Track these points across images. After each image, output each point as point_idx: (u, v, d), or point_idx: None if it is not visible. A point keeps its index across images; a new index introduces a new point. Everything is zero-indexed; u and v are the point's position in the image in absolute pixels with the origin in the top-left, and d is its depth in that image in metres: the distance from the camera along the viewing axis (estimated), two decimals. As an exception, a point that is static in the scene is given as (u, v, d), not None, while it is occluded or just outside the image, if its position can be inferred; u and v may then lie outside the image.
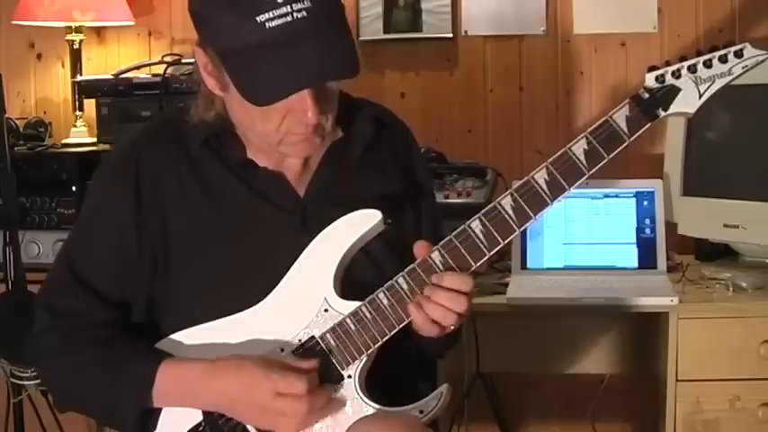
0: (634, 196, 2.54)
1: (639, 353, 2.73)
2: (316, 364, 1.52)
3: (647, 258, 2.50)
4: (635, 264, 2.51)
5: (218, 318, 1.57)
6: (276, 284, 1.56)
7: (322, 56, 1.42)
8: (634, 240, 2.52)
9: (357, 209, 1.56)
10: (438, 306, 1.49)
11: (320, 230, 1.56)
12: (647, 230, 2.52)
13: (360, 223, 1.55)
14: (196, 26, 1.51)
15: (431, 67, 3.06)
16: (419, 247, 1.54)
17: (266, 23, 1.40)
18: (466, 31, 3.03)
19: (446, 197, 2.56)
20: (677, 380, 2.27)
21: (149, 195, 1.59)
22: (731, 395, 2.26)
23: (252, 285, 1.57)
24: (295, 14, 1.40)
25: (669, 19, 2.92)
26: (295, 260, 1.56)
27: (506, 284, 2.43)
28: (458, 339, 1.73)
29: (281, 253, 1.57)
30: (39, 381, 2.45)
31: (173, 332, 1.59)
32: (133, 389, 1.53)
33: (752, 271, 2.45)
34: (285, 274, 1.56)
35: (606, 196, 2.55)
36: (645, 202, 2.53)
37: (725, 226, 2.51)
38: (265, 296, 1.56)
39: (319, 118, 1.49)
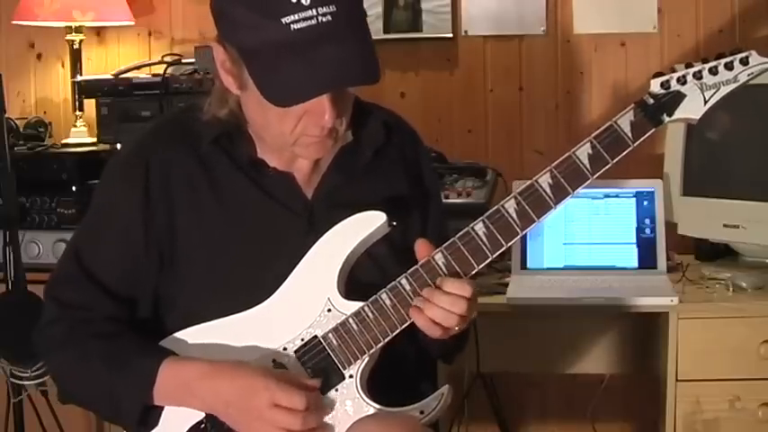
0: (634, 196, 2.54)
1: (639, 353, 2.73)
2: (318, 383, 1.52)
3: (647, 258, 2.50)
4: (635, 264, 2.51)
5: (222, 316, 1.57)
6: (281, 284, 1.57)
7: (344, 60, 1.42)
8: (634, 240, 2.52)
9: (363, 211, 1.56)
10: (438, 308, 1.50)
11: (326, 232, 1.57)
12: (647, 230, 2.52)
13: (364, 225, 1.56)
14: (217, 22, 1.50)
15: (431, 67, 3.06)
16: (420, 246, 1.54)
17: (291, 25, 1.40)
18: (466, 31, 3.03)
19: (446, 197, 2.55)
20: (677, 380, 2.27)
21: (158, 192, 1.60)
22: (731, 395, 2.26)
23: (257, 284, 1.57)
24: (320, 18, 1.40)
25: (669, 19, 2.92)
26: (300, 260, 1.57)
27: (506, 284, 2.43)
28: (465, 343, 1.73)
29: (287, 253, 1.58)
30: (39, 381, 2.46)
31: (178, 329, 1.59)
32: (134, 386, 1.53)
33: (752, 271, 2.45)
34: (290, 273, 1.57)
35: (606, 196, 2.55)
36: (645, 202, 2.53)
37: (725, 226, 2.51)
38: (270, 295, 1.57)
39: (335, 121, 1.49)
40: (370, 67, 1.45)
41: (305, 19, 1.40)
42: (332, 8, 1.41)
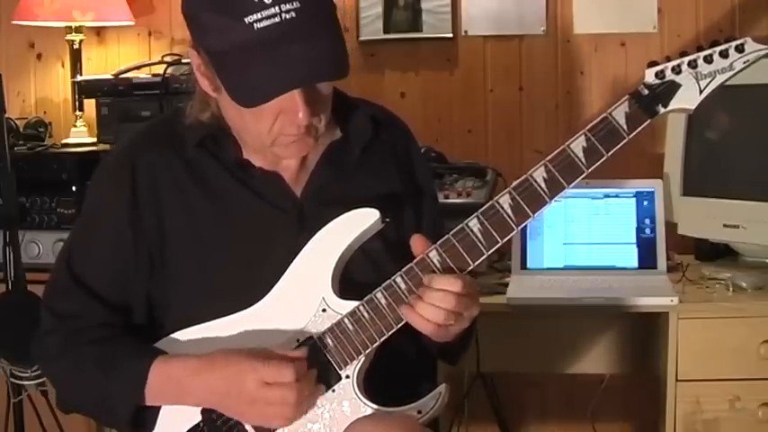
0: (634, 196, 2.54)
1: (639, 353, 2.73)
2: (304, 352, 1.51)
3: (647, 258, 2.50)
4: (635, 264, 2.51)
5: (215, 317, 1.57)
6: (274, 284, 1.56)
7: (310, 57, 1.41)
8: (634, 240, 2.52)
9: (355, 208, 1.55)
10: (427, 304, 1.49)
11: (318, 230, 1.56)
12: (647, 230, 2.52)
13: (357, 222, 1.55)
14: (189, 28, 1.51)
15: (431, 67, 3.06)
16: (416, 240, 1.53)
17: (254, 24, 1.39)
18: (466, 31, 3.03)
19: (446, 197, 2.56)
20: (677, 380, 2.26)
21: (146, 195, 1.59)
22: (731, 395, 2.25)
23: (249, 285, 1.56)
24: (284, 15, 1.39)
25: (669, 19, 2.92)
26: (293, 260, 1.56)
27: (506, 284, 2.43)
28: (469, 342, 1.71)
29: (278, 253, 1.57)
30: (39, 381, 2.46)
31: (172, 333, 1.59)
32: (126, 387, 1.54)
33: (752, 271, 2.45)
34: (283, 274, 1.56)
35: (606, 196, 2.55)
36: (645, 202, 2.53)
37: (725, 226, 2.50)
38: (263, 296, 1.56)
39: (311, 119, 1.48)
40: (337, 62, 1.45)
41: (268, 17, 1.39)
42: (295, 4, 1.40)
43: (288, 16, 1.40)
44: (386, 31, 3.03)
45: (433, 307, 1.48)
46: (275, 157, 1.60)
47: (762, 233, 2.44)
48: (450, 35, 3.02)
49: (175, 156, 1.61)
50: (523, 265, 2.54)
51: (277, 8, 1.39)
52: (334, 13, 1.49)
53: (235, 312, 1.56)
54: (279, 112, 1.48)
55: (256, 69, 1.41)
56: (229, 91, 1.45)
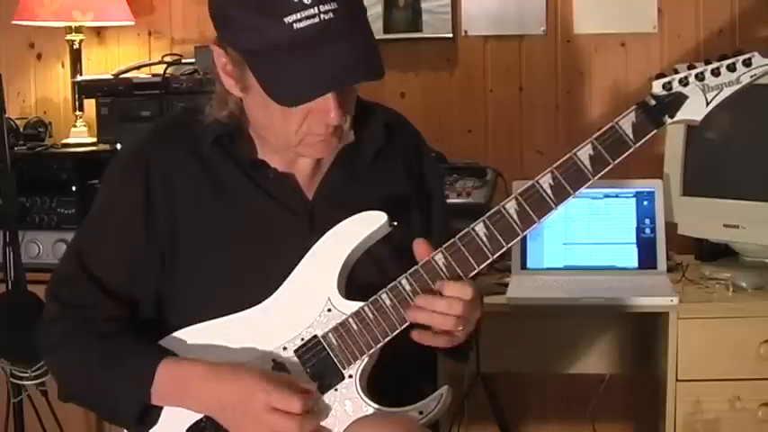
0: (634, 196, 2.54)
1: (639, 353, 2.73)
2: (315, 387, 1.52)
3: (647, 258, 2.51)
4: (635, 264, 2.51)
5: (223, 315, 1.57)
6: (281, 284, 1.57)
7: (349, 58, 1.42)
8: (634, 240, 2.52)
9: (364, 211, 1.56)
10: (436, 314, 1.50)
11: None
12: (647, 230, 2.52)
13: (365, 225, 1.55)
14: (217, 26, 1.50)
15: (431, 67, 3.06)
16: (419, 245, 1.54)
17: (294, 24, 1.40)
18: (466, 31, 3.03)
19: (446, 197, 2.55)
20: (677, 380, 2.27)
21: (159, 194, 1.59)
22: (731, 395, 2.26)
23: (258, 285, 1.57)
24: (322, 16, 1.40)
25: (669, 19, 2.92)
26: (301, 260, 1.57)
27: (506, 284, 2.43)
28: (473, 342, 1.72)
29: (288, 254, 1.57)
30: (39, 381, 2.47)
31: (179, 329, 1.59)
32: (132, 385, 1.53)
33: (752, 271, 2.45)
34: (291, 273, 1.57)
35: (606, 196, 2.56)
36: (645, 202, 2.53)
37: (725, 226, 2.50)
38: (270, 295, 1.56)
39: (340, 119, 1.49)
40: (374, 64, 1.46)
41: (307, 17, 1.40)
42: (333, 5, 1.41)
43: (326, 17, 1.40)
44: (386, 31, 3.04)
45: (440, 315, 1.49)
46: (292, 157, 1.60)
47: (762, 233, 2.45)
48: (450, 35, 3.02)
49: (190, 153, 1.61)
50: (523, 265, 2.54)
51: (316, 9, 1.40)
52: (366, 16, 1.50)
53: (241, 311, 1.57)
54: (308, 111, 1.48)
55: (295, 69, 1.41)
56: (268, 90, 1.44)
